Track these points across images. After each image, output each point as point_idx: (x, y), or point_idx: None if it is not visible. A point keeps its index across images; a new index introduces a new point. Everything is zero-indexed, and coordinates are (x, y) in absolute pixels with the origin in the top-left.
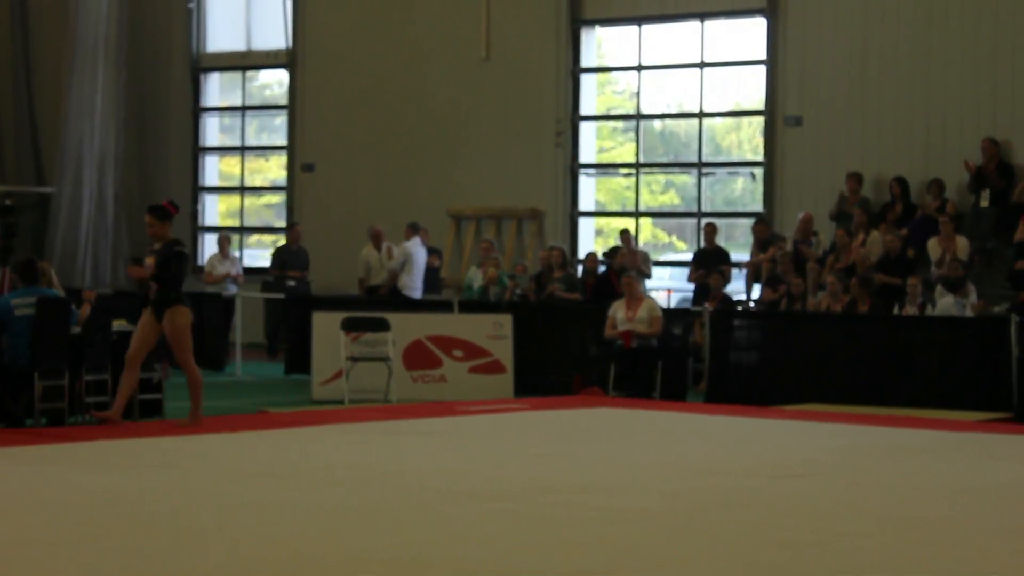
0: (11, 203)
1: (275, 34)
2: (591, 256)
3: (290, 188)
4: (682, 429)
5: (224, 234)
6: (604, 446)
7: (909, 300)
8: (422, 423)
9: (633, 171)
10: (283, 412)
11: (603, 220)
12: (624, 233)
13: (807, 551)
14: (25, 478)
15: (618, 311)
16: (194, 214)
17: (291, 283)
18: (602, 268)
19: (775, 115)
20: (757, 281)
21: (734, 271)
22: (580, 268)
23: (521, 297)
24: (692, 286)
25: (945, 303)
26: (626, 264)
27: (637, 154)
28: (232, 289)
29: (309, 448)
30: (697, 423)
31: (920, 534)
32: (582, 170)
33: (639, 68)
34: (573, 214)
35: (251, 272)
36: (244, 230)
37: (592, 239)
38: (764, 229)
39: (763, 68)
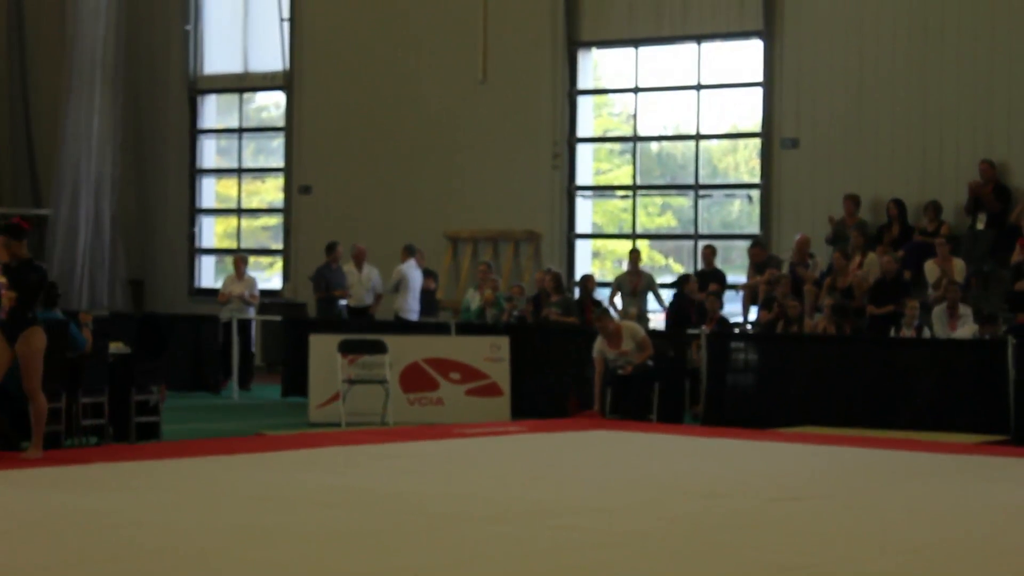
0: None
1: (272, 56)
2: (588, 278)
3: (287, 210)
4: (679, 452)
5: (241, 255)
6: (601, 469)
7: (906, 323)
8: (419, 446)
9: (630, 193)
10: (280, 435)
11: (600, 242)
12: (633, 253)
13: (806, 575)
14: (21, 502)
15: (604, 350)
16: (191, 236)
17: (342, 303)
18: (610, 294)
19: (772, 137)
20: (754, 303)
21: (731, 293)
22: (577, 290)
23: (519, 319)
24: (689, 308)
25: (966, 331)
26: (623, 283)
27: (634, 176)
28: (249, 311)
29: (306, 471)
30: (694, 446)
31: (919, 557)
32: (579, 192)
33: (636, 90)
34: (570, 236)
35: None
36: (241, 252)
37: (589, 261)
38: (760, 251)
39: (759, 90)
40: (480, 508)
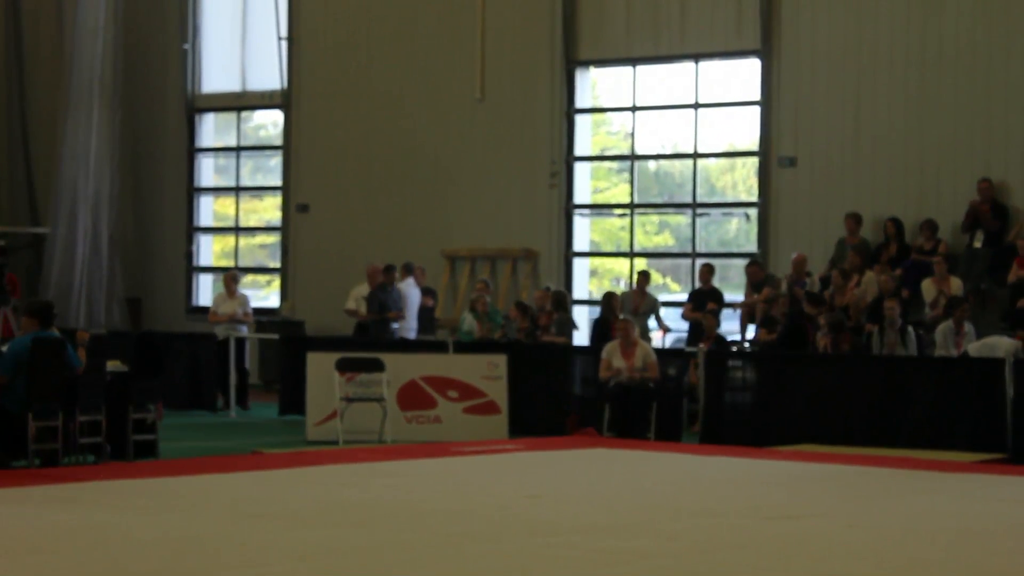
0: (4, 243)
1: (270, 75)
2: (612, 296)
3: (285, 228)
4: (678, 470)
5: (231, 273)
6: (599, 487)
7: (889, 324)
8: (417, 464)
9: (628, 211)
10: (277, 453)
11: (597, 260)
12: (642, 275)
13: None
14: (18, 519)
15: (614, 357)
16: (188, 254)
17: (395, 325)
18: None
19: (769, 156)
20: (751, 322)
21: (728, 311)
22: (584, 308)
23: (515, 340)
24: (686, 327)
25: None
26: (625, 302)
27: (632, 194)
28: (242, 330)
29: (303, 489)
30: (692, 464)
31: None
32: (576, 210)
33: (633, 109)
34: (567, 254)
35: None
36: (231, 270)
37: (586, 279)
38: (758, 270)
39: (757, 109)
40: (478, 526)
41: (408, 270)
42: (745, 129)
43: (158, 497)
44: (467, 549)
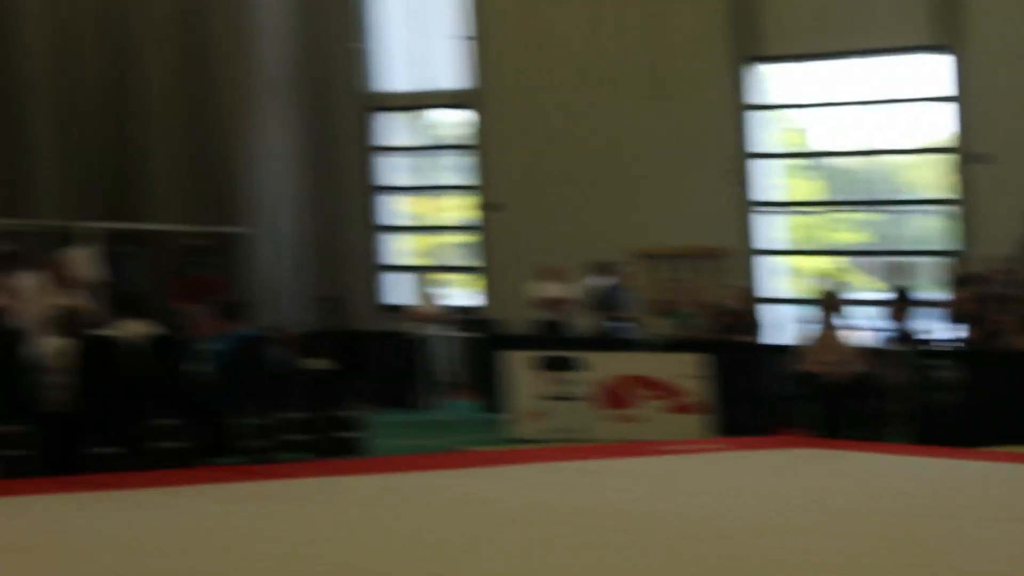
0: (205, 244)
1: (457, 75)
2: (831, 295)
3: (479, 227)
4: (889, 471)
5: (430, 273)
6: (806, 486)
7: None
8: (617, 463)
9: (820, 209)
10: (477, 451)
11: (788, 259)
12: (829, 296)
13: None
14: (231, 517)
15: (814, 350)
16: (380, 253)
17: (625, 325)
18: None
19: (963, 152)
20: (955, 320)
21: (928, 310)
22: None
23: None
24: (887, 326)
25: None
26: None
27: (825, 192)
28: (438, 329)
29: (502, 487)
30: (902, 465)
31: None
32: (762, 208)
33: (820, 104)
34: (756, 252)
35: None
36: (432, 269)
37: (778, 278)
38: (960, 267)
39: (949, 104)
40: (683, 526)
41: (605, 269)
42: (937, 125)
43: (363, 494)
44: (676, 549)
